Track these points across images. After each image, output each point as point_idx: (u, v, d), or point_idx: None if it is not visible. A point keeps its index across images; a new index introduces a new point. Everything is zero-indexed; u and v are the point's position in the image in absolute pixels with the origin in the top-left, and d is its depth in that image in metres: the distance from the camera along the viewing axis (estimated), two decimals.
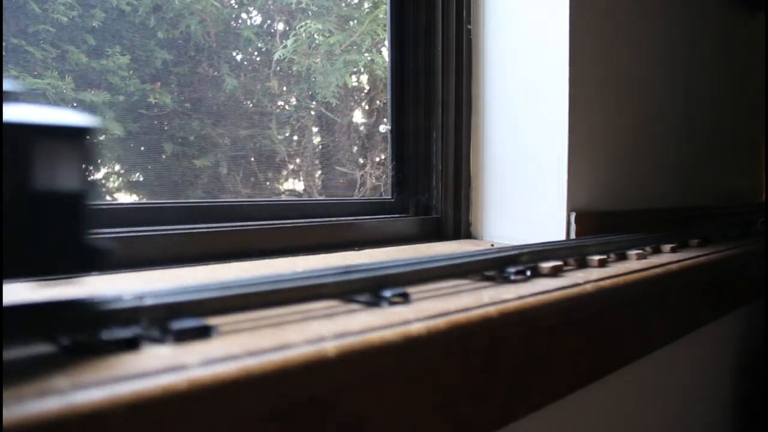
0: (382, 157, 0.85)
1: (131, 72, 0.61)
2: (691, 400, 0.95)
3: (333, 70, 0.79)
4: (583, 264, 0.51)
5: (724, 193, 1.17)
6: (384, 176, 0.82)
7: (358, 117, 0.86)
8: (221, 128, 0.68)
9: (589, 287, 0.42)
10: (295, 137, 0.78)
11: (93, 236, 0.22)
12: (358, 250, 0.62)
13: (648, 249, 0.61)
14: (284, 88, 0.77)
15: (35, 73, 0.54)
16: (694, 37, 1.02)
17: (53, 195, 0.21)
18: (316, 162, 0.80)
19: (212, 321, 0.26)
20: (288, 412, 0.24)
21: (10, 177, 0.19)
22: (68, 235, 0.22)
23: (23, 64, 0.54)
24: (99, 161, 0.26)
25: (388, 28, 0.76)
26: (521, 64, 0.71)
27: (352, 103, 0.84)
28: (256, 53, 0.75)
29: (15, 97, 0.21)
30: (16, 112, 0.20)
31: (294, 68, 0.76)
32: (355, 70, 0.83)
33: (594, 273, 0.47)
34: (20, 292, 0.23)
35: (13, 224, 0.20)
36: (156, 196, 0.64)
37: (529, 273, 0.44)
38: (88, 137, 0.22)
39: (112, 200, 0.64)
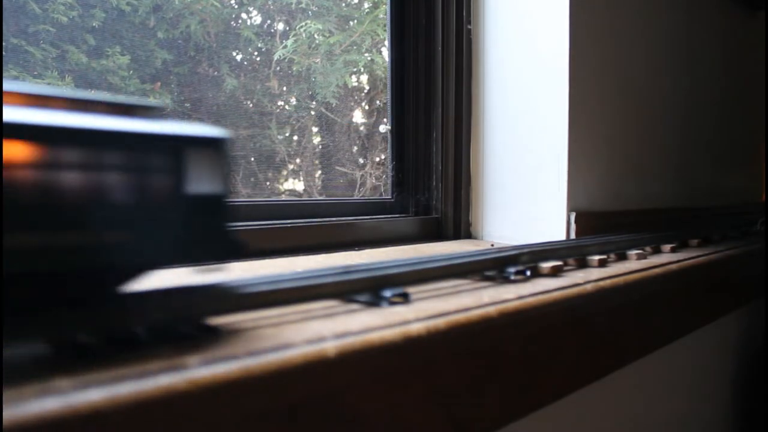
0: (382, 157, 0.85)
1: (131, 72, 0.61)
2: (691, 399, 0.95)
3: (333, 70, 0.79)
4: (583, 264, 0.51)
5: (724, 193, 1.17)
6: (384, 176, 0.82)
7: (358, 117, 0.86)
8: (221, 128, 0.68)
9: (589, 287, 0.42)
10: (295, 137, 0.78)
11: (232, 229, 0.27)
12: (358, 250, 0.62)
13: (648, 249, 0.61)
14: (284, 88, 0.77)
15: (35, 73, 0.54)
16: (694, 36, 1.02)
17: (202, 195, 0.25)
18: (316, 162, 0.80)
19: (212, 321, 0.26)
20: (288, 412, 0.24)
21: (169, 180, 0.24)
22: (214, 229, 0.26)
23: (23, 64, 0.54)
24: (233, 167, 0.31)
25: (388, 28, 0.76)
26: (521, 64, 0.71)
27: (352, 103, 0.84)
28: (256, 53, 0.75)
29: (160, 114, 0.26)
30: (170, 127, 0.24)
31: (294, 68, 0.76)
32: (355, 70, 0.83)
33: (594, 273, 0.47)
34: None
35: (171, 220, 0.24)
36: None
37: (529, 273, 0.44)
38: (226, 147, 0.26)
39: None
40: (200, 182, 0.25)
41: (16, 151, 0.20)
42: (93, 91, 0.59)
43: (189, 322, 0.26)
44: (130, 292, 0.25)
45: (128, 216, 0.23)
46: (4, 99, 0.22)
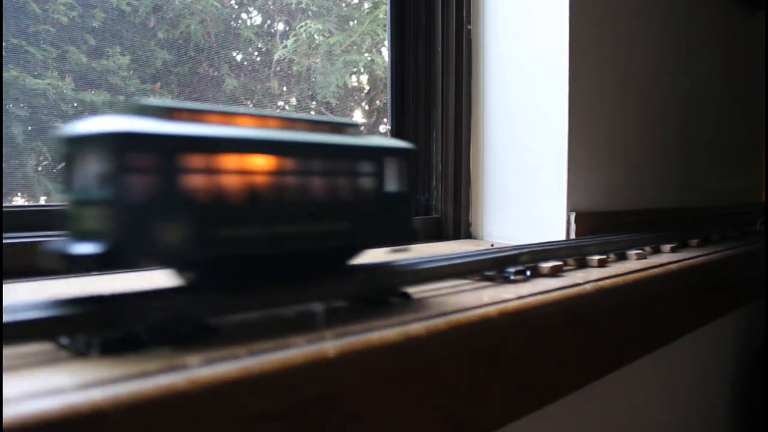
0: None
1: (131, 72, 0.61)
2: (691, 399, 0.95)
3: (333, 70, 0.79)
4: (583, 264, 0.51)
5: (724, 193, 1.17)
6: None
7: (358, 117, 0.86)
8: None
9: (588, 287, 0.42)
10: None
11: (414, 220, 0.35)
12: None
13: (648, 249, 0.61)
14: (284, 88, 0.77)
15: (35, 73, 0.54)
16: (694, 36, 1.02)
17: (395, 193, 0.33)
18: None
19: (212, 321, 0.26)
20: (288, 412, 0.24)
21: (374, 182, 0.32)
22: (404, 219, 0.34)
23: (23, 64, 0.54)
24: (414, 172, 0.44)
25: (388, 28, 0.76)
26: (521, 64, 0.72)
27: (352, 103, 0.84)
28: (256, 53, 0.75)
29: (359, 130, 0.34)
30: (372, 141, 0.33)
31: (294, 68, 0.76)
32: (355, 70, 0.83)
33: (594, 273, 0.47)
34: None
35: (376, 213, 0.33)
36: None
37: (529, 273, 0.44)
38: (411, 155, 0.34)
39: None
40: (393, 183, 0.33)
41: (278, 163, 0.28)
42: (93, 91, 0.59)
43: (391, 290, 0.34)
44: (352, 266, 0.34)
45: (349, 210, 0.31)
46: (269, 123, 0.30)
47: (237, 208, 0.26)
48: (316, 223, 0.30)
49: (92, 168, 0.24)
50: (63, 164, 0.25)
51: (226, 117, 0.28)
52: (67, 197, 0.25)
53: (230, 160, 0.26)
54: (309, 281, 0.30)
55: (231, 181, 0.26)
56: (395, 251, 0.37)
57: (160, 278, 0.29)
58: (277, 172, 0.28)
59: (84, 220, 0.25)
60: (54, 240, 0.26)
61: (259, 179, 0.27)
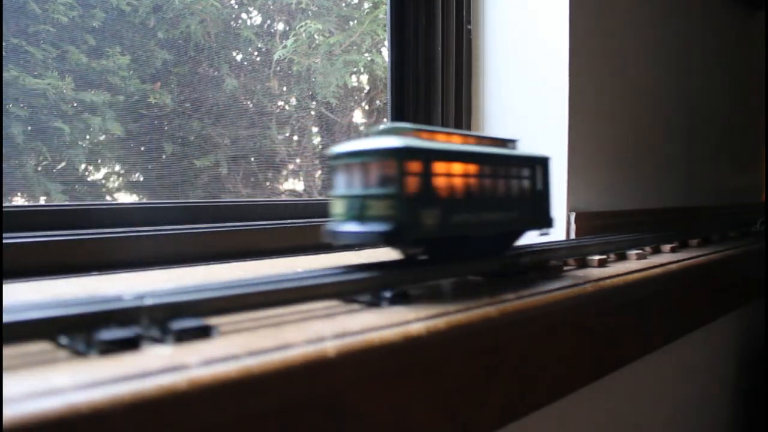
0: None
1: (131, 72, 0.61)
2: (692, 399, 0.95)
3: (333, 70, 0.79)
4: (583, 264, 0.51)
5: (724, 193, 1.17)
6: None
7: (358, 117, 0.86)
8: (221, 128, 0.68)
9: (589, 287, 0.42)
10: (295, 137, 0.78)
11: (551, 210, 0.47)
12: (358, 250, 0.62)
13: (648, 249, 0.61)
14: (284, 88, 0.77)
15: (35, 73, 0.54)
16: (694, 37, 1.02)
17: (540, 191, 0.45)
18: (316, 162, 0.80)
19: (212, 321, 0.26)
20: (288, 412, 0.24)
21: (530, 183, 0.44)
22: (546, 210, 0.46)
23: (23, 64, 0.54)
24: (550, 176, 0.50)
25: (388, 28, 0.76)
26: (521, 64, 0.72)
27: (352, 103, 0.84)
28: (256, 53, 0.75)
29: (516, 144, 0.45)
30: (527, 151, 0.44)
31: (294, 68, 0.76)
32: (355, 70, 0.83)
33: (594, 273, 0.47)
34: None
35: (531, 206, 0.44)
36: (156, 196, 0.64)
37: (529, 273, 0.44)
38: (548, 163, 0.46)
39: (112, 200, 0.64)
40: (540, 183, 0.45)
41: (479, 169, 0.39)
42: (93, 91, 0.59)
43: (541, 265, 0.46)
44: (518, 246, 0.45)
45: (518, 203, 0.43)
46: (469, 140, 0.41)
47: (460, 201, 0.37)
48: (501, 213, 0.41)
49: (375, 173, 0.34)
50: (339, 171, 0.36)
51: (447, 136, 0.39)
52: (343, 194, 0.36)
53: (456, 167, 0.37)
54: (493, 256, 0.42)
55: (456, 182, 0.37)
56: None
57: (159, 275, 0.29)
58: (479, 175, 0.39)
59: (369, 209, 0.34)
60: (328, 223, 0.37)
61: (471, 180, 0.38)
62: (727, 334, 1.05)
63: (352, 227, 0.35)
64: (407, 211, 0.33)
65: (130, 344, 0.23)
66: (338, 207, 0.36)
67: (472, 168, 0.38)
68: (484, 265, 0.41)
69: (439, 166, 0.36)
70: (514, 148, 0.45)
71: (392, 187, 0.33)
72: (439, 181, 0.36)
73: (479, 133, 0.45)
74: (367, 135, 0.37)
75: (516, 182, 0.42)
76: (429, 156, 0.35)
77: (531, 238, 0.68)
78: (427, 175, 0.35)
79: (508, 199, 0.42)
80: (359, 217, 0.35)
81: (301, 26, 0.76)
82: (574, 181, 0.68)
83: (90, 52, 0.58)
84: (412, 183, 0.34)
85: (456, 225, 0.37)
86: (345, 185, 0.36)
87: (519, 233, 0.45)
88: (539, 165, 0.45)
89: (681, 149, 0.99)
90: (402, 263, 0.38)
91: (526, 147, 0.46)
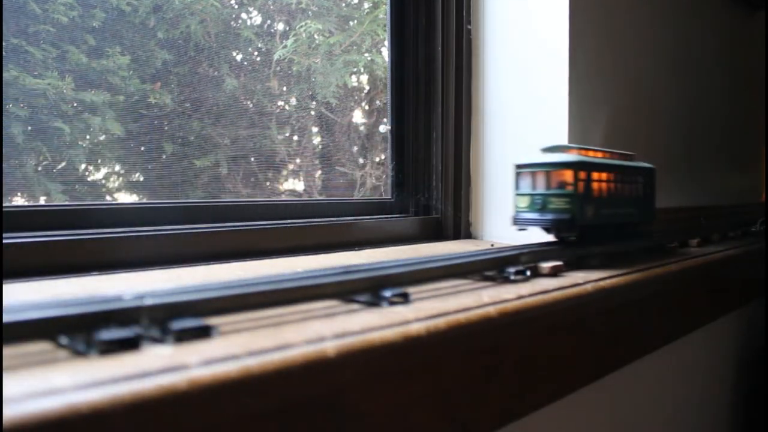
0: (382, 157, 0.85)
1: (131, 72, 0.61)
2: (692, 400, 0.95)
3: (333, 70, 0.79)
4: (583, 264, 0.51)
5: (724, 193, 1.17)
6: (384, 176, 0.82)
7: (358, 117, 0.86)
8: (221, 128, 0.68)
9: (589, 287, 0.42)
10: (295, 137, 0.78)
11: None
12: (358, 250, 0.62)
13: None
14: (284, 88, 0.77)
15: (35, 73, 0.54)
16: (694, 37, 1.02)
17: (649, 193, 0.61)
18: (316, 162, 0.80)
19: (212, 321, 0.26)
20: (288, 412, 0.24)
21: (645, 188, 0.60)
22: (652, 207, 0.61)
23: (23, 64, 0.54)
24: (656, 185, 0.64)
25: (388, 28, 0.76)
26: (521, 65, 0.72)
27: (352, 103, 0.84)
28: (256, 53, 0.75)
29: (632, 157, 0.60)
30: (642, 163, 0.61)
31: (294, 68, 0.76)
32: (355, 70, 0.83)
33: (594, 273, 0.47)
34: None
35: (645, 204, 0.60)
36: (156, 196, 0.64)
37: (529, 273, 0.44)
38: (655, 172, 0.61)
39: (112, 200, 0.64)
40: (647, 187, 0.60)
41: (615, 176, 0.54)
42: (93, 91, 0.59)
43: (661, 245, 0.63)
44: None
45: (634, 201, 0.58)
46: (605, 155, 0.57)
47: (604, 199, 0.53)
48: (626, 208, 0.57)
49: (556, 178, 0.50)
50: (523, 177, 0.52)
51: (594, 152, 0.55)
52: (528, 192, 0.52)
53: (603, 175, 0.53)
54: (621, 240, 0.57)
55: (602, 185, 0.53)
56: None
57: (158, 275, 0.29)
58: (614, 180, 0.54)
59: (550, 203, 0.50)
60: (518, 213, 0.52)
61: (610, 184, 0.54)
62: (727, 334, 1.05)
63: (534, 216, 0.51)
64: (578, 206, 0.49)
65: (130, 344, 0.23)
66: (522, 201, 0.52)
67: (611, 175, 0.54)
68: (618, 246, 0.55)
69: (594, 174, 0.52)
70: (632, 160, 0.60)
71: (569, 189, 0.49)
72: (594, 185, 0.51)
73: (610, 150, 0.58)
74: (541, 151, 0.54)
75: (635, 186, 0.58)
76: (590, 167, 0.51)
77: (532, 238, 0.68)
78: (588, 180, 0.51)
79: (630, 198, 0.57)
80: (541, 209, 0.50)
81: (301, 26, 0.76)
82: None
83: (90, 52, 0.58)
84: (581, 186, 0.50)
85: (602, 216, 0.52)
86: (529, 187, 0.52)
87: (636, 224, 0.60)
88: (648, 173, 0.61)
89: (681, 149, 0.99)
90: (558, 243, 0.52)
91: (640, 160, 0.62)
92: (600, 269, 0.48)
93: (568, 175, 0.49)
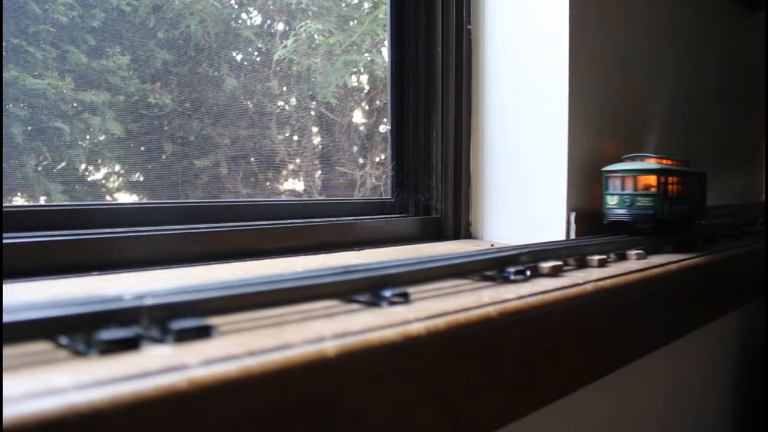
0: (382, 157, 0.85)
1: (131, 72, 0.61)
2: (691, 400, 0.95)
3: (333, 70, 0.79)
4: (583, 264, 0.51)
5: (725, 193, 1.17)
6: (384, 176, 0.82)
7: (358, 117, 0.86)
8: (221, 128, 0.68)
9: (589, 287, 0.42)
10: (295, 137, 0.78)
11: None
12: (358, 250, 0.62)
13: (648, 249, 0.61)
14: (284, 88, 0.77)
15: (35, 73, 0.54)
16: (694, 36, 1.02)
17: (701, 194, 0.77)
18: (316, 162, 0.80)
19: (212, 321, 0.26)
20: (288, 412, 0.24)
21: (699, 188, 0.76)
22: (703, 205, 0.79)
23: (23, 64, 0.54)
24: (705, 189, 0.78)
25: (388, 28, 0.76)
26: (521, 64, 0.72)
27: (352, 103, 0.84)
28: (256, 53, 0.75)
29: (688, 163, 0.75)
30: (695, 168, 0.76)
31: (294, 68, 0.76)
32: (355, 70, 0.83)
33: (594, 273, 0.47)
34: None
35: (699, 202, 0.76)
36: (156, 196, 0.64)
37: (529, 273, 0.44)
38: (705, 176, 0.79)
39: (112, 200, 0.64)
40: (700, 188, 0.76)
41: (678, 179, 0.68)
42: (93, 91, 0.59)
43: (707, 236, 0.73)
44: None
45: (694, 200, 0.74)
46: (664, 161, 0.68)
47: (674, 198, 0.66)
48: (687, 205, 0.70)
49: (642, 182, 0.64)
50: (612, 180, 0.66)
51: (666, 160, 0.67)
52: (618, 193, 0.65)
53: (673, 179, 0.65)
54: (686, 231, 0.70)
55: (673, 187, 0.66)
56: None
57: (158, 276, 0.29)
58: (679, 183, 0.67)
59: (638, 202, 0.63)
60: (609, 209, 0.65)
61: (677, 186, 0.67)
62: (727, 334, 1.05)
63: (623, 212, 0.64)
64: (660, 204, 0.63)
65: (130, 344, 0.23)
66: (612, 200, 0.65)
67: (679, 179, 0.67)
68: (681, 235, 0.68)
69: (670, 179, 0.65)
70: (689, 165, 0.74)
71: (654, 191, 0.63)
72: (669, 187, 0.65)
73: (670, 157, 0.69)
74: (623, 160, 0.68)
75: (691, 187, 0.71)
76: (667, 173, 0.65)
77: (533, 238, 0.68)
78: (666, 183, 0.64)
79: (690, 197, 0.71)
80: (629, 206, 0.64)
81: (301, 26, 0.76)
82: (574, 181, 0.68)
83: (90, 52, 0.58)
84: (661, 188, 0.63)
85: (674, 212, 0.66)
86: (619, 188, 0.65)
87: (692, 219, 0.74)
88: (701, 177, 0.76)
89: (681, 149, 0.99)
90: (636, 232, 0.64)
91: (695, 165, 0.74)
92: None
93: (652, 180, 0.63)
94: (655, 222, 0.63)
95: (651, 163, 0.65)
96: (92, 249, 0.46)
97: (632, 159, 0.68)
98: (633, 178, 0.64)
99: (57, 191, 0.56)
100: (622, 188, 0.65)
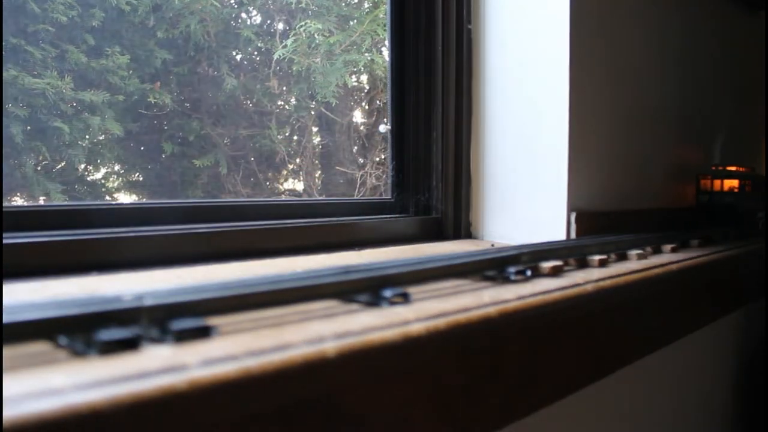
0: (382, 157, 0.85)
1: (131, 72, 0.61)
2: (692, 399, 0.95)
3: (333, 70, 0.78)
4: (583, 264, 0.51)
5: None
6: (384, 176, 0.82)
7: (358, 117, 0.85)
8: (221, 128, 0.68)
9: (589, 287, 0.42)
10: (295, 137, 0.78)
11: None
12: (358, 250, 0.62)
13: (648, 249, 0.61)
14: (284, 88, 0.77)
15: (35, 72, 0.54)
16: (694, 36, 1.02)
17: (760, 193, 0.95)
18: (316, 162, 0.80)
19: (212, 321, 0.26)
20: (288, 412, 0.24)
21: (760, 190, 0.94)
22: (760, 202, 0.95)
23: (23, 64, 0.54)
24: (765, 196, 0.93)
25: (388, 28, 0.76)
26: (521, 64, 0.71)
27: (352, 103, 0.84)
28: (256, 53, 0.75)
29: (753, 169, 0.95)
30: (759, 174, 1.01)
31: (294, 68, 0.76)
32: (355, 70, 0.83)
33: (594, 273, 0.47)
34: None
35: (759, 202, 0.94)
36: (156, 196, 0.64)
37: (529, 273, 0.44)
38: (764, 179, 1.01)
39: (112, 200, 0.64)
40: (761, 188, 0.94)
41: (743, 183, 0.90)
42: (92, 91, 0.59)
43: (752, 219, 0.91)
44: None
45: (756, 198, 0.92)
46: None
47: (734, 196, 0.86)
48: (744, 201, 0.87)
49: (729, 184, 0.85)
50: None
51: (736, 166, 0.90)
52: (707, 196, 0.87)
53: (731, 182, 0.88)
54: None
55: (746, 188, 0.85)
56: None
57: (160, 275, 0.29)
58: (742, 185, 0.87)
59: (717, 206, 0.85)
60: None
61: (750, 188, 0.88)
62: (727, 334, 1.05)
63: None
64: (738, 206, 0.82)
65: (129, 344, 0.23)
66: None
67: (739, 182, 0.84)
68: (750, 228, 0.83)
69: (729, 183, 0.84)
70: (754, 170, 0.88)
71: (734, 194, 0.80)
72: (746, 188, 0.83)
73: (738, 165, 0.85)
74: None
75: (755, 187, 0.88)
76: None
77: (533, 238, 0.68)
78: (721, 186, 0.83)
79: (751, 195, 0.87)
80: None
81: (301, 26, 0.76)
82: (574, 181, 0.68)
83: (89, 51, 0.58)
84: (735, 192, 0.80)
85: (729, 207, 0.84)
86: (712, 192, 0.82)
87: (750, 214, 0.87)
88: (760, 179, 0.92)
89: (681, 149, 0.99)
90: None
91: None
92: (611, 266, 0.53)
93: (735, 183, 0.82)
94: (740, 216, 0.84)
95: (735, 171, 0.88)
96: (92, 249, 0.46)
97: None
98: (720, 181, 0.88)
99: (56, 191, 0.56)
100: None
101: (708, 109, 1.09)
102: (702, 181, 0.89)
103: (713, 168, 0.91)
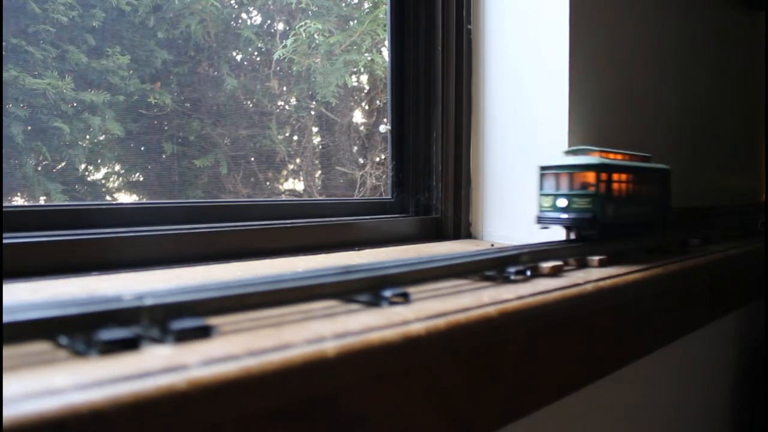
0: (382, 157, 0.85)
1: (131, 72, 0.61)
2: (691, 400, 0.95)
3: (333, 70, 0.79)
4: (583, 264, 0.51)
5: (724, 193, 1.17)
6: (384, 176, 0.82)
7: (358, 117, 0.86)
8: (221, 128, 0.68)
9: (589, 287, 0.42)
10: (295, 137, 0.78)
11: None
12: (358, 250, 0.62)
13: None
14: (284, 88, 0.77)
15: (35, 73, 0.54)
16: (694, 36, 1.02)
17: (664, 193, 0.64)
18: (316, 162, 0.80)
19: (212, 321, 0.26)
20: (288, 412, 0.24)
21: (656, 188, 0.62)
22: (668, 205, 0.65)
23: (23, 64, 0.54)
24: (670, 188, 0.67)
25: (388, 28, 0.76)
26: (521, 64, 0.71)
27: (352, 103, 0.84)
28: (256, 53, 0.75)
29: (649, 159, 0.63)
30: (658, 165, 0.63)
31: (294, 68, 0.76)
32: (355, 70, 0.83)
33: (594, 273, 0.47)
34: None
35: (659, 203, 0.63)
36: (156, 196, 0.64)
37: (529, 273, 0.44)
38: (669, 172, 0.65)
39: (112, 200, 0.64)
40: (663, 187, 0.63)
41: (628, 177, 0.56)
42: (92, 91, 0.59)
43: (685, 241, 0.67)
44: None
45: (652, 201, 0.60)
46: (618, 156, 0.57)
47: (623, 198, 0.55)
48: (644, 208, 0.59)
49: (579, 180, 0.52)
50: (547, 178, 0.54)
51: (614, 154, 0.57)
52: (552, 193, 0.54)
53: (622, 176, 0.55)
54: (638, 237, 0.59)
55: (622, 186, 0.55)
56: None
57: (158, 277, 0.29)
58: (632, 181, 0.56)
59: (575, 204, 0.52)
60: (542, 212, 0.54)
61: (629, 185, 0.56)
62: (727, 334, 1.05)
63: (557, 215, 0.53)
64: (600, 205, 0.52)
65: (129, 344, 0.23)
66: (546, 201, 0.54)
67: (630, 176, 0.56)
68: (640, 242, 0.59)
69: (615, 176, 0.54)
70: (649, 161, 0.62)
71: (591, 190, 0.52)
72: (614, 186, 0.54)
73: (629, 152, 0.59)
74: (564, 153, 0.57)
75: (650, 186, 0.60)
76: (610, 169, 0.54)
77: (533, 238, 0.68)
78: (609, 181, 0.53)
79: (647, 197, 0.60)
80: (564, 209, 0.53)
81: (301, 26, 0.76)
82: None
83: (90, 51, 0.58)
84: (602, 187, 0.52)
85: (622, 215, 0.55)
86: (553, 187, 0.54)
87: (652, 223, 0.62)
88: (663, 174, 0.64)
89: (681, 149, 0.99)
90: (578, 240, 0.55)
91: (656, 161, 0.64)
92: (612, 266, 0.50)
93: (590, 177, 0.52)
94: (595, 226, 0.52)
95: (589, 158, 0.54)
96: (92, 249, 0.46)
97: (573, 153, 0.56)
98: (569, 175, 0.53)
99: (57, 191, 0.56)
100: (557, 187, 0.54)
101: (707, 109, 1.09)
102: (546, 175, 0.57)
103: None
